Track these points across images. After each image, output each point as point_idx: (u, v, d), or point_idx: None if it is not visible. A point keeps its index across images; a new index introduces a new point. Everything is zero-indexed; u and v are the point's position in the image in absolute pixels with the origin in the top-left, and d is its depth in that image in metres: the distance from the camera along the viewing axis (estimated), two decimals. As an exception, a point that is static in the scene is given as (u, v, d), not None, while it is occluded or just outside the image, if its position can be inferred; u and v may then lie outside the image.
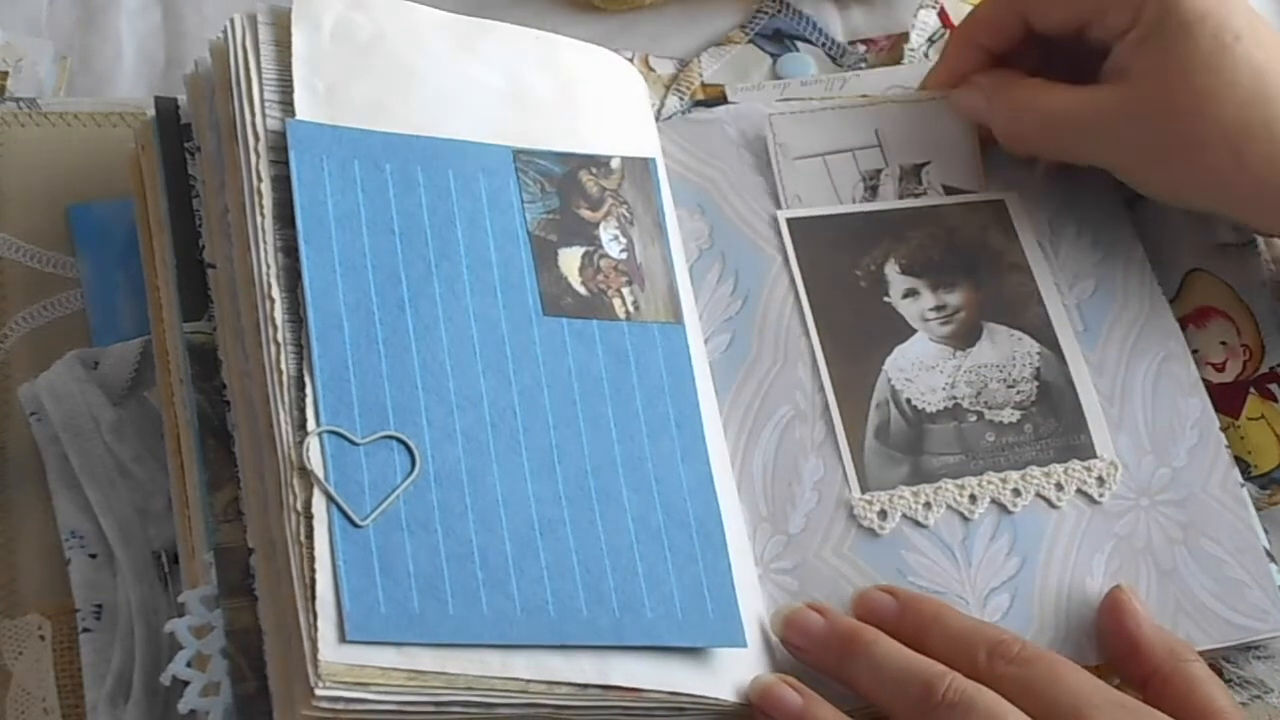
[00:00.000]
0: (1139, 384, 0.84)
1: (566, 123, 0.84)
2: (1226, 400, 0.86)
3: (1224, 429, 0.85)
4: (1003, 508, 0.82)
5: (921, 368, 0.84)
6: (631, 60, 0.91)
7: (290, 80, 0.79)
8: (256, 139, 0.77)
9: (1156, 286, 0.87)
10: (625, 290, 0.81)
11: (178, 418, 0.78)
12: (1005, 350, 0.85)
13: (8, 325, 0.85)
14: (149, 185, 0.83)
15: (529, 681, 0.71)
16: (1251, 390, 0.86)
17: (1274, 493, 0.84)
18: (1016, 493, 0.82)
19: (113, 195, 0.86)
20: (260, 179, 0.77)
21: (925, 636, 0.76)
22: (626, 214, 0.83)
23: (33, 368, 0.83)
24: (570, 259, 0.81)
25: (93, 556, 0.79)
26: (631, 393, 0.79)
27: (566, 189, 0.82)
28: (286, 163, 0.77)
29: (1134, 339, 0.85)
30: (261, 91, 0.78)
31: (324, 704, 0.68)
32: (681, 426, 0.79)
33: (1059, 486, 0.82)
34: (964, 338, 0.85)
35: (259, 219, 0.76)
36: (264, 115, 0.78)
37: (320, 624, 0.69)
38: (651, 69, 0.93)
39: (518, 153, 0.82)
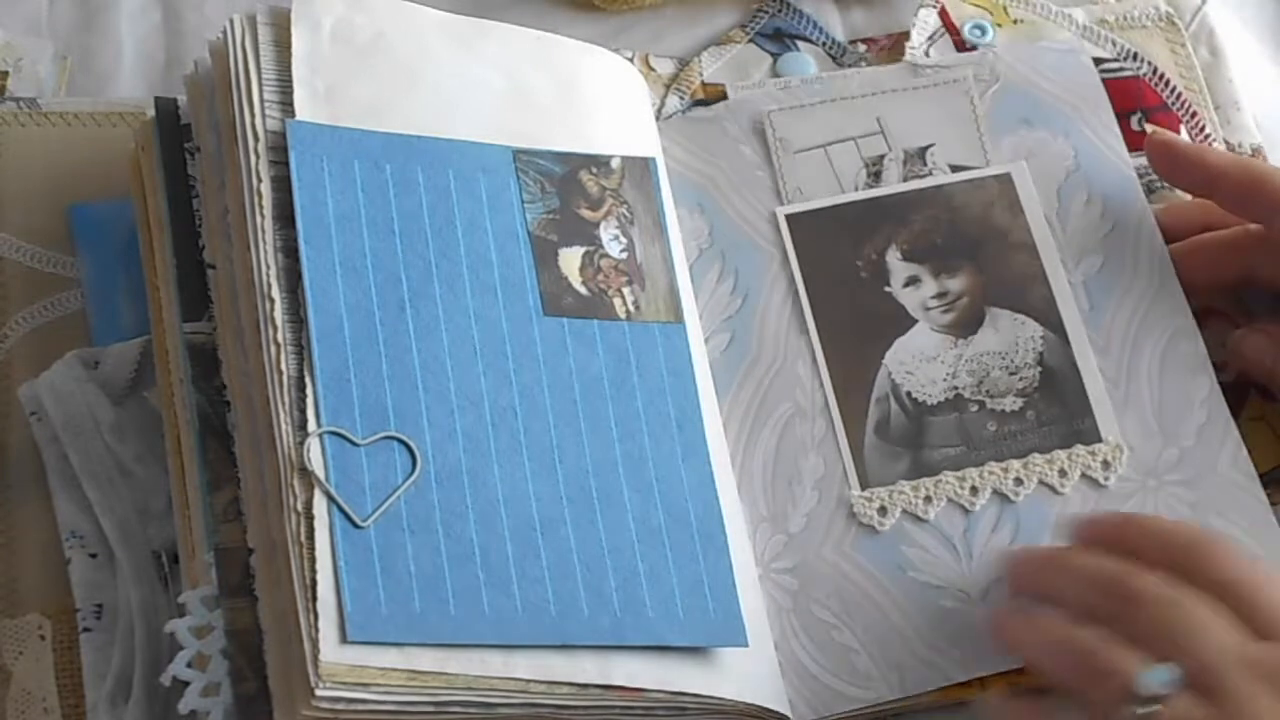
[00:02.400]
0: (1145, 364, 0.84)
1: (566, 122, 0.84)
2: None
3: (1224, 428, 0.85)
4: (1004, 497, 0.81)
5: (922, 359, 0.84)
6: (631, 60, 0.91)
7: (290, 81, 0.79)
8: (256, 139, 0.77)
9: (1167, 258, 0.86)
10: (626, 290, 0.81)
11: (178, 418, 0.78)
12: (1008, 336, 0.85)
13: (8, 325, 0.85)
14: (149, 185, 0.83)
15: (530, 682, 0.72)
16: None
17: (1274, 493, 0.84)
18: (1019, 481, 0.82)
19: (113, 195, 0.86)
20: (260, 179, 0.77)
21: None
22: (627, 214, 0.83)
23: (33, 367, 0.83)
24: (570, 259, 0.81)
25: (93, 556, 0.79)
26: (632, 392, 0.79)
27: (567, 189, 0.82)
28: (286, 163, 0.77)
29: (1141, 316, 0.85)
30: (261, 92, 0.78)
31: (324, 704, 0.69)
32: (682, 426, 0.79)
33: (1062, 473, 0.82)
34: (966, 325, 0.85)
35: (259, 219, 0.76)
36: (264, 116, 0.78)
37: (321, 624, 0.69)
38: (651, 69, 0.93)
39: (518, 153, 0.82)
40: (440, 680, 0.70)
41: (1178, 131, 0.91)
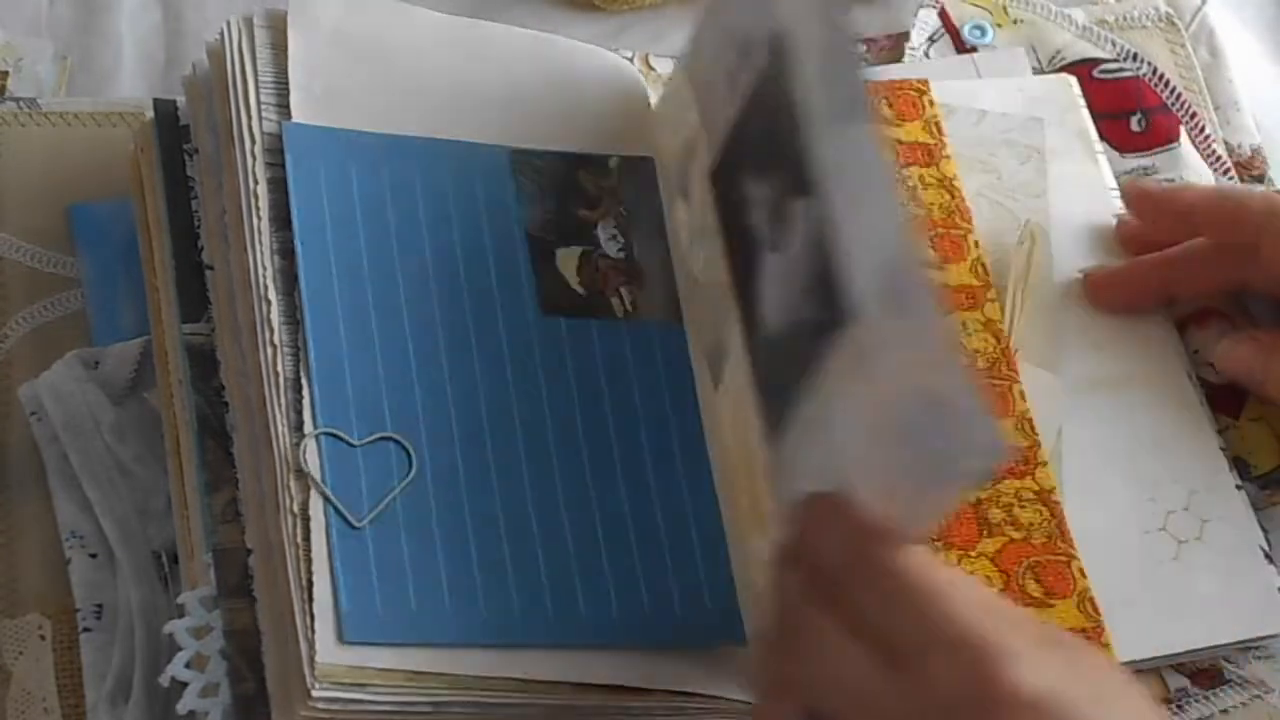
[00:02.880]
0: (875, 192, 0.67)
1: (564, 123, 0.84)
2: (1226, 400, 0.85)
3: (1224, 429, 0.84)
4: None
5: (771, 285, 0.72)
6: (631, 60, 0.91)
7: (287, 83, 0.79)
8: (253, 141, 0.78)
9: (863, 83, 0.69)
10: (623, 290, 0.81)
11: (177, 418, 0.78)
12: (794, 226, 0.70)
13: (8, 325, 0.85)
14: (148, 186, 0.83)
15: (528, 682, 0.72)
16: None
17: (1273, 493, 0.84)
18: (819, 395, 0.68)
19: (113, 195, 0.86)
20: (257, 181, 0.77)
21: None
22: (624, 213, 0.83)
23: (33, 367, 0.83)
24: (568, 259, 0.81)
25: (93, 556, 0.79)
26: (630, 392, 0.79)
27: (564, 189, 0.82)
28: (283, 165, 0.77)
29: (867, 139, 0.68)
30: (258, 94, 0.79)
31: (321, 704, 0.69)
32: (680, 425, 0.79)
33: (836, 375, 0.67)
34: (780, 231, 0.72)
35: (255, 221, 0.76)
36: (261, 118, 0.78)
37: (318, 625, 0.69)
38: (651, 69, 0.93)
39: (515, 153, 0.82)
40: (438, 680, 0.70)
41: (1177, 132, 0.91)
